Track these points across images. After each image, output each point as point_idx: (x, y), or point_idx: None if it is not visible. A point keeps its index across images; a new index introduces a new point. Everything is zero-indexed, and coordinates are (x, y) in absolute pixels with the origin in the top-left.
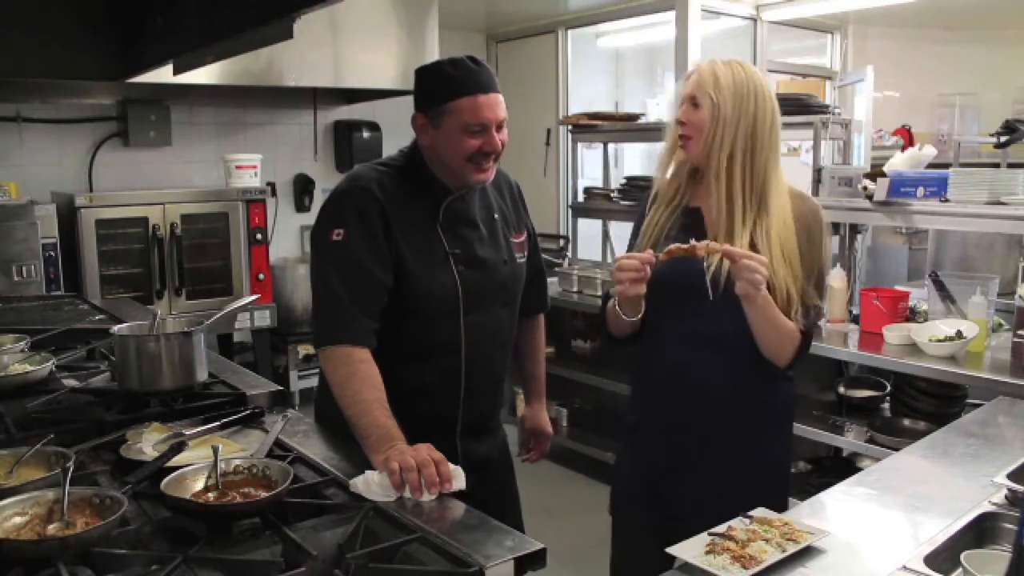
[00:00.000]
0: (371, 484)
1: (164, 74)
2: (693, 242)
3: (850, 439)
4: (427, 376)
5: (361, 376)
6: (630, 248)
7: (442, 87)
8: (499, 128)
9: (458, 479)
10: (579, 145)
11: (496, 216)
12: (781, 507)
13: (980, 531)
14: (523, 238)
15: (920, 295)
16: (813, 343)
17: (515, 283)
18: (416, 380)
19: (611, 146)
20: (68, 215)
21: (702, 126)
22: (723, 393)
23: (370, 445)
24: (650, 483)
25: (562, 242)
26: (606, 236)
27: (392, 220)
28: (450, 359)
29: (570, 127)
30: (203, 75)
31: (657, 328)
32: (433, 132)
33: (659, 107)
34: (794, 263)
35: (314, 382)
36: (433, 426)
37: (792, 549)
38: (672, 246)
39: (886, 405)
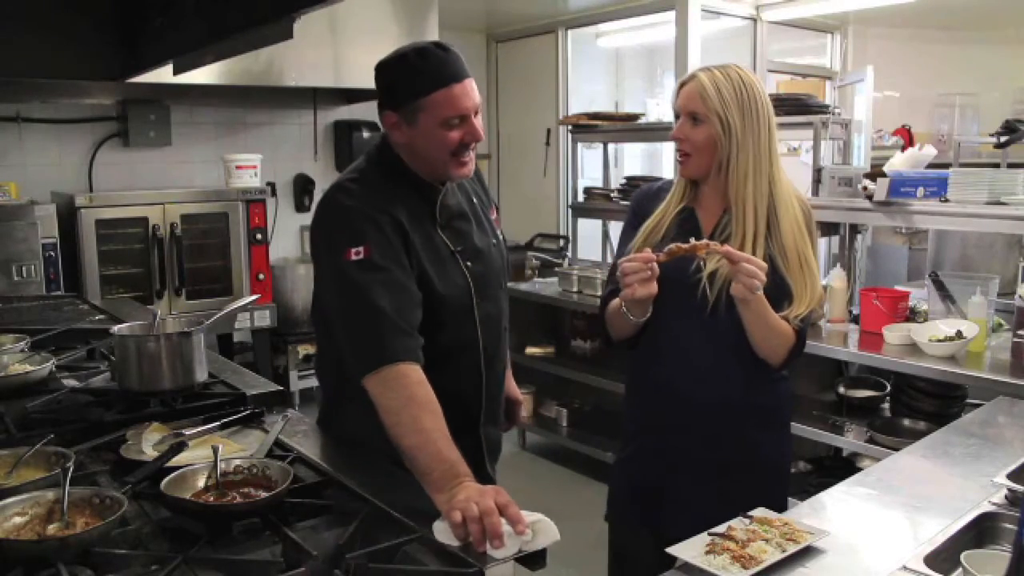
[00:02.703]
0: (444, 530)
1: (164, 74)
2: (693, 241)
3: (850, 439)
4: (452, 379)
5: (419, 401)
6: (622, 248)
7: (414, 82)
8: (476, 114)
9: (546, 533)
10: (579, 145)
11: (475, 200)
12: (780, 507)
13: (980, 531)
14: (495, 214)
15: (920, 295)
16: (813, 343)
17: (504, 263)
18: (443, 385)
19: (611, 146)
20: (68, 215)
21: (702, 144)
22: (722, 395)
23: (432, 483)
24: (651, 488)
25: (562, 242)
26: (606, 236)
27: (406, 228)
28: (471, 357)
29: (570, 127)
30: (203, 75)
31: (655, 330)
32: (408, 130)
33: (659, 107)
34: (812, 267)
35: (314, 382)
36: (459, 424)
37: (792, 549)
38: (673, 245)
39: (886, 405)
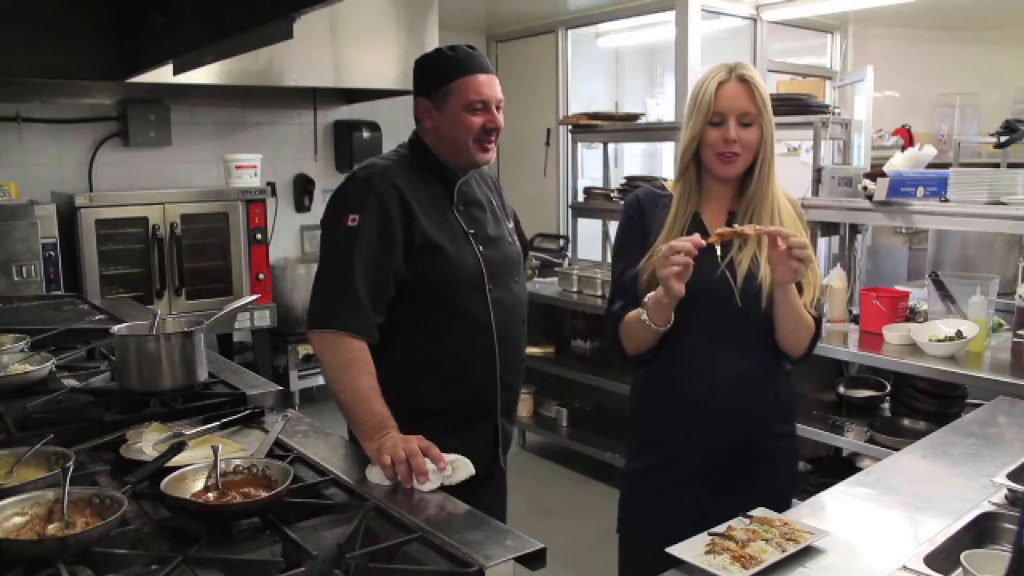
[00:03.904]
0: (376, 472)
1: (164, 74)
2: (737, 226)
3: (850, 439)
4: (463, 355)
5: (359, 364)
6: (618, 258)
7: (444, 69)
8: (498, 108)
9: (463, 468)
10: (579, 145)
11: (493, 202)
12: (789, 504)
13: (980, 531)
14: (512, 225)
15: (920, 295)
16: None
17: (519, 261)
18: (453, 360)
19: (611, 146)
20: (68, 215)
21: (754, 144)
22: (749, 402)
23: (364, 432)
24: (669, 501)
25: (562, 242)
26: (606, 236)
27: (411, 203)
28: (483, 336)
29: (570, 127)
30: (203, 75)
31: (677, 341)
32: (437, 114)
33: (659, 107)
34: (809, 254)
35: (314, 382)
36: (476, 412)
37: (792, 549)
38: (722, 228)
39: (886, 405)
